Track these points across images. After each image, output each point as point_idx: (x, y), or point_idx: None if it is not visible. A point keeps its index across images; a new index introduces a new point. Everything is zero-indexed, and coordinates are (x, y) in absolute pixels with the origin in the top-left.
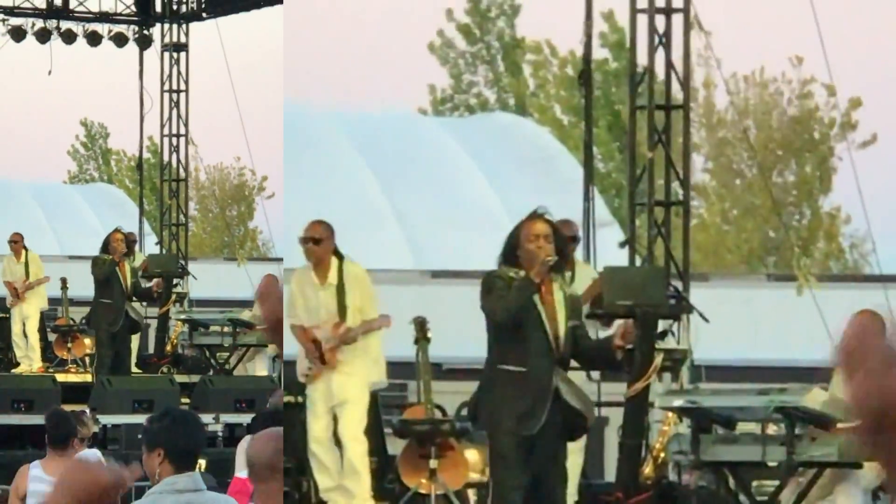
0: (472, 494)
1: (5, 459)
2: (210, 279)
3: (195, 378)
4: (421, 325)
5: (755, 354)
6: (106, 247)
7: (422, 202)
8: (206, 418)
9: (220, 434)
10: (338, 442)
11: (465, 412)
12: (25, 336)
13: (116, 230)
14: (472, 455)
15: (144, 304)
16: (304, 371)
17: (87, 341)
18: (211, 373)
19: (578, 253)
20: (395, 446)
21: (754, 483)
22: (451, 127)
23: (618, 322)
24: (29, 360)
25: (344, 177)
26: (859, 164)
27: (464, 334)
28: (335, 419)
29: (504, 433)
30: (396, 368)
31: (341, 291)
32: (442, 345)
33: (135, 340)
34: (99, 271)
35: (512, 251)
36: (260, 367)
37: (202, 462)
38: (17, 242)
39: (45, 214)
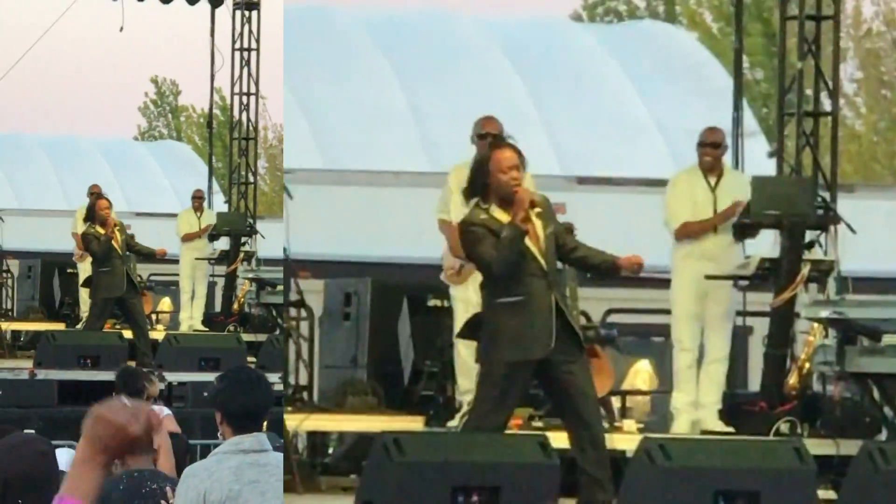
0: (615, 402)
1: (70, 415)
2: (278, 238)
3: (262, 337)
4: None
5: None
6: (91, 213)
7: (568, 108)
8: (273, 377)
9: None
10: None
11: (610, 319)
12: None
13: (101, 197)
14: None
15: (213, 262)
16: (451, 268)
17: (164, 299)
18: (278, 332)
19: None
20: None
21: None
22: (599, 33)
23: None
24: None
25: (490, 82)
26: None
27: (609, 240)
28: None
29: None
30: None
31: None
32: None
33: (201, 298)
34: (99, 250)
35: (480, 181)
36: None
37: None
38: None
39: (114, 171)
